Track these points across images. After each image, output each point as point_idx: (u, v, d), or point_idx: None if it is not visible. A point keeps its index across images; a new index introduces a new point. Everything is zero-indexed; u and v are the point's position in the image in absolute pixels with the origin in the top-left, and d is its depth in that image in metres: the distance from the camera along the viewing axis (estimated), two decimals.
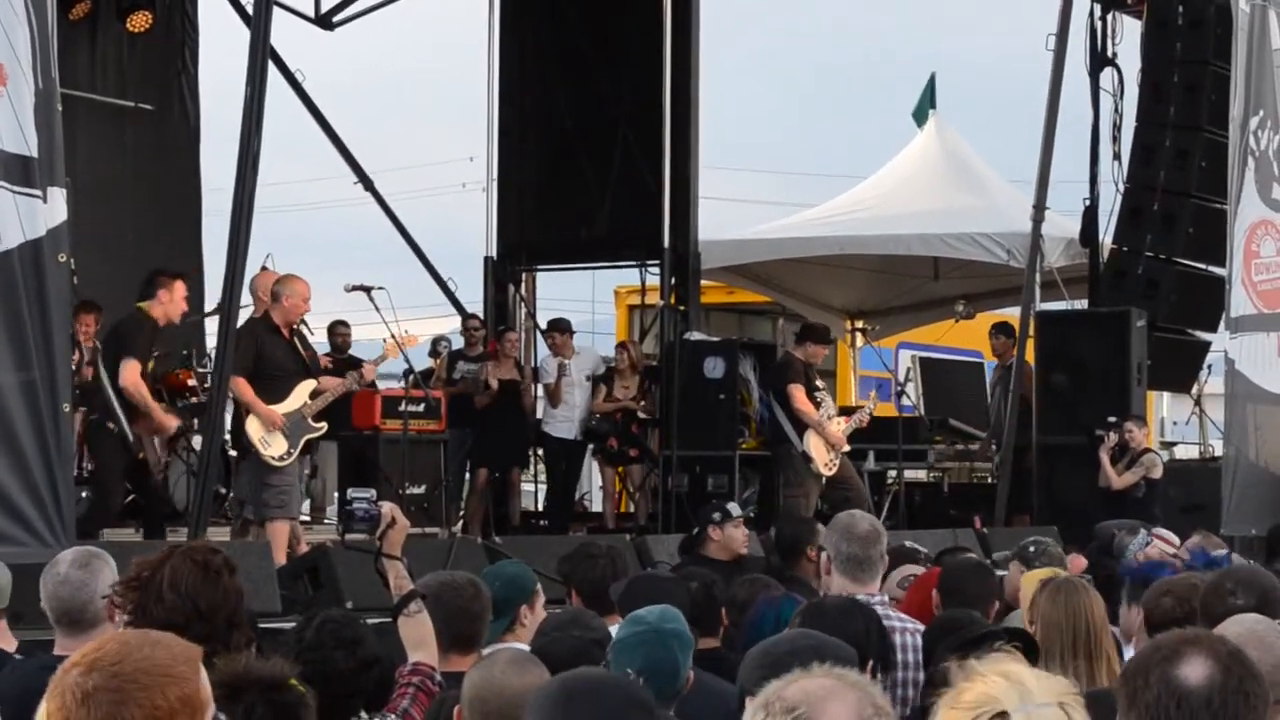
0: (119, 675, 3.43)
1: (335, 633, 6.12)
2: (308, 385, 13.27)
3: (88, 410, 13.28)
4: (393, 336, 14.11)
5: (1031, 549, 9.50)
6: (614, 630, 6.87)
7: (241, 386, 12.96)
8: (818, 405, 16.49)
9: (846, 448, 16.63)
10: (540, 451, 19.34)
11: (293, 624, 6.87)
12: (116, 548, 10.43)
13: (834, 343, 17.81)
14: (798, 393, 16.36)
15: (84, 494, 14.92)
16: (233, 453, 17.03)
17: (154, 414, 13.00)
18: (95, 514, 13.75)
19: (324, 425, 13.43)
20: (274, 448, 13.00)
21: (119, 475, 13.48)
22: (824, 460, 16.29)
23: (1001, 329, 19.84)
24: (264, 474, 13.08)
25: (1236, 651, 3.57)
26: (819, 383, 16.92)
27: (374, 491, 6.94)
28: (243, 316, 13.43)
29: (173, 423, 13.37)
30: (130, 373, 12.93)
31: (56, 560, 6.58)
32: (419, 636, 6.35)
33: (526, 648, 6.34)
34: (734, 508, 12.13)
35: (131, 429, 13.04)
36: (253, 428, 13.01)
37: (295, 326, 13.41)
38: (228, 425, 14.46)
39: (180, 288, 13.22)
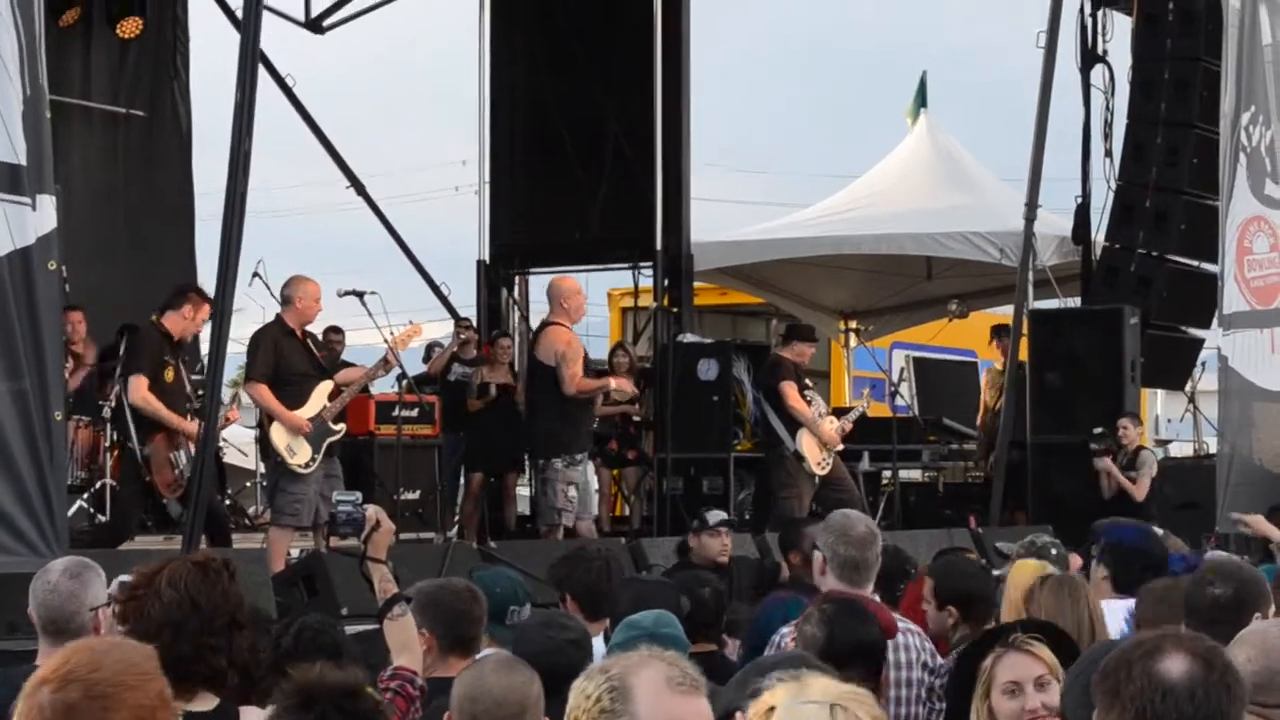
0: (101, 683, 3.41)
1: (313, 639, 6.14)
2: (325, 387, 13.24)
3: (117, 430, 13.21)
4: (392, 335, 14.02)
5: (1054, 551, 9.46)
6: (598, 639, 6.87)
7: (265, 394, 12.92)
8: (809, 403, 16.43)
9: (840, 446, 16.57)
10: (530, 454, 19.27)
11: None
12: (140, 555, 10.43)
13: (819, 341, 17.72)
14: (791, 390, 16.28)
15: (79, 503, 14.93)
16: (231, 461, 17.02)
17: (171, 425, 12.86)
18: (108, 533, 13.59)
19: (343, 427, 13.40)
20: (299, 455, 12.97)
21: (136, 496, 13.34)
22: (817, 459, 16.22)
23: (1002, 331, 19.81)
24: (283, 480, 13.06)
25: (1215, 648, 3.66)
26: (808, 382, 16.85)
27: (359, 495, 6.93)
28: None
29: (194, 429, 12.90)
30: (137, 388, 12.83)
31: (48, 568, 6.57)
32: (403, 640, 6.36)
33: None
34: (713, 516, 12.11)
35: (150, 444, 12.90)
36: (278, 435, 12.95)
37: (307, 328, 13.41)
38: (252, 434, 14.40)
39: (206, 311, 13.00)
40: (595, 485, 15.02)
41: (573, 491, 14.90)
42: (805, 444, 16.20)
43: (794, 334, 17.06)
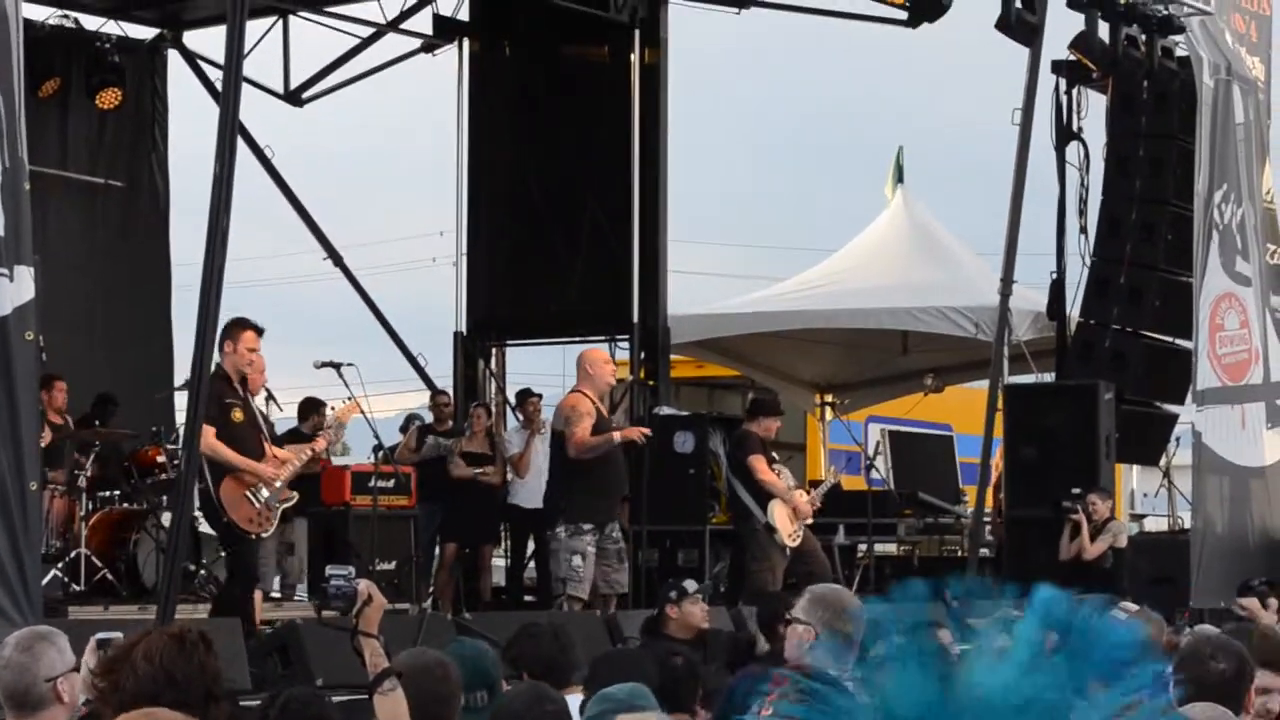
0: None
1: (299, 712, 6.11)
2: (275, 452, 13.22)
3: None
4: (347, 400, 14.06)
5: None
6: (573, 699, 6.87)
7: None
8: (778, 475, 16.40)
9: (810, 520, 16.53)
10: (505, 526, 19.25)
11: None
12: (84, 625, 10.41)
13: (784, 414, 17.67)
14: (759, 463, 16.24)
15: (54, 572, 14.90)
16: (204, 527, 16.95)
17: (240, 468, 12.63)
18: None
19: (295, 495, 13.38)
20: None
21: (222, 539, 13.17)
22: (789, 531, 16.16)
23: None
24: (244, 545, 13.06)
25: None
26: (774, 455, 16.77)
27: (352, 569, 6.91)
28: None
29: (266, 470, 12.75)
30: (204, 439, 12.61)
31: (4, 643, 6.54)
32: (393, 714, 6.35)
33: None
34: (690, 584, 12.11)
35: (222, 486, 12.73)
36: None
37: (249, 384, 13.26)
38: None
39: (247, 337, 12.83)
40: (587, 559, 14.91)
41: (577, 560, 14.89)
42: (777, 516, 16.13)
43: (759, 409, 16.95)
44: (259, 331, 12.95)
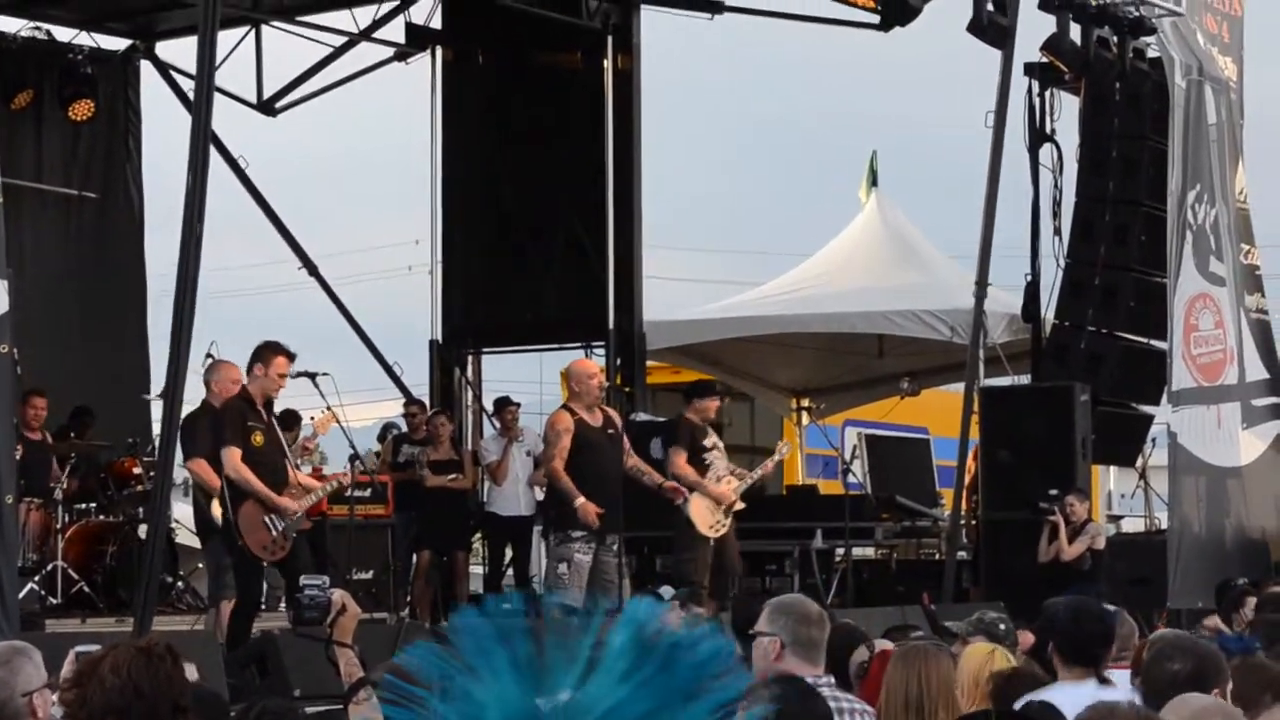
0: None
1: None
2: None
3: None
4: (325, 410, 14.02)
5: (1002, 627, 9.47)
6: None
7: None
8: (706, 466, 16.10)
9: (740, 505, 16.23)
10: (483, 533, 19.23)
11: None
12: (62, 639, 10.41)
13: (719, 393, 17.46)
14: (678, 457, 15.99)
15: (30, 585, 14.87)
16: (180, 539, 16.95)
17: (261, 497, 12.57)
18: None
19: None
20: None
21: (237, 563, 12.95)
22: (707, 523, 15.92)
23: None
24: (226, 556, 12.99)
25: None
26: (710, 440, 16.48)
27: (326, 579, 6.90)
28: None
29: (287, 504, 12.67)
30: (230, 461, 12.53)
31: None
32: None
33: None
34: (666, 591, 12.07)
35: (240, 509, 12.57)
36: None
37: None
38: (185, 511, 14.33)
39: (279, 362, 12.75)
40: (573, 565, 14.83)
41: (563, 568, 14.80)
42: (693, 509, 15.87)
43: (694, 391, 16.67)
44: (291, 357, 12.87)
